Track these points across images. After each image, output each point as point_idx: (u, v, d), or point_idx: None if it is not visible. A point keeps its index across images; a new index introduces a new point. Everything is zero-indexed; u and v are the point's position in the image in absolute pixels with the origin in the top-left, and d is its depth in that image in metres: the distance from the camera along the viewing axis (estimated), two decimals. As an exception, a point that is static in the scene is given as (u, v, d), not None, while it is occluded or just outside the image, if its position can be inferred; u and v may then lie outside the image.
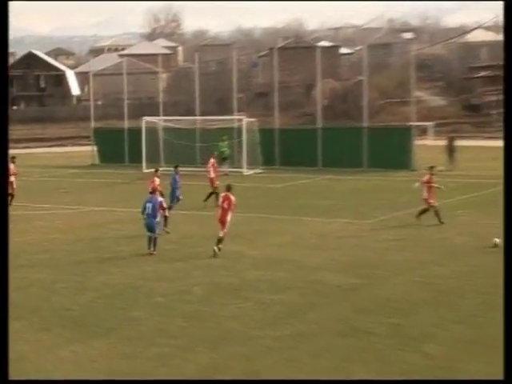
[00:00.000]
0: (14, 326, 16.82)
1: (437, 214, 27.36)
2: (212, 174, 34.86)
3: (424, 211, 27.64)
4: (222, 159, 43.69)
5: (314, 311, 17.18)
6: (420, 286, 19.09)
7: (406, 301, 17.81)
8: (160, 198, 25.10)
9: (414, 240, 24.86)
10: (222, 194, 25.60)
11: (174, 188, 30.33)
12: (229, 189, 25.15)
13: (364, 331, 15.65)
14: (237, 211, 30.43)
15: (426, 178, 28.19)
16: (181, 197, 30.25)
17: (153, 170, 44.05)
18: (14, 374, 13.96)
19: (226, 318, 16.82)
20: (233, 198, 24.89)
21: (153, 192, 25.36)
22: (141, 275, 20.91)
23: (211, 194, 33.33)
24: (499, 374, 13.24)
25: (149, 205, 24.23)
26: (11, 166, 33.40)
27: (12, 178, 33.06)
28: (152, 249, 23.87)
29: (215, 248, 24.09)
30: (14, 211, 31.46)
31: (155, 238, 24.04)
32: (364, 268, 21.09)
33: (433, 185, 27.83)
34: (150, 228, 24.11)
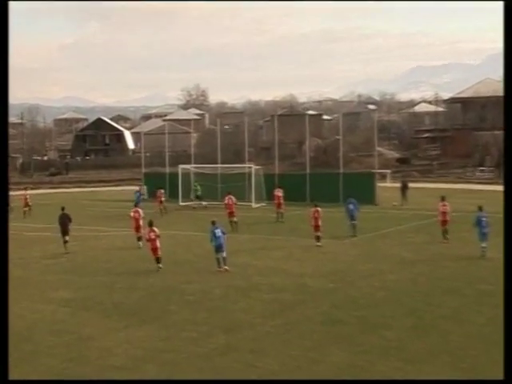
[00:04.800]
0: (84, 315, 16.96)
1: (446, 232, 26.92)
2: (279, 201, 36.26)
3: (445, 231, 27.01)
4: (196, 197, 45.13)
5: (301, 306, 17.19)
6: (378, 288, 19.04)
7: (368, 299, 17.79)
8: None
9: (373, 254, 24.73)
10: (313, 209, 27.27)
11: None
12: (316, 206, 27.48)
13: (338, 321, 15.69)
14: (245, 233, 30.41)
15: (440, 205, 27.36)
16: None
17: (188, 203, 44.72)
18: (84, 351, 13.98)
19: (237, 311, 16.88)
20: (320, 209, 27.12)
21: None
22: (175, 279, 20.93)
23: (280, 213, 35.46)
24: (437, 351, 13.21)
25: (218, 231, 22.25)
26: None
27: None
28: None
29: (318, 243, 26.48)
30: (85, 233, 31.60)
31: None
32: (338, 275, 21.04)
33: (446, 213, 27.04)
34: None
